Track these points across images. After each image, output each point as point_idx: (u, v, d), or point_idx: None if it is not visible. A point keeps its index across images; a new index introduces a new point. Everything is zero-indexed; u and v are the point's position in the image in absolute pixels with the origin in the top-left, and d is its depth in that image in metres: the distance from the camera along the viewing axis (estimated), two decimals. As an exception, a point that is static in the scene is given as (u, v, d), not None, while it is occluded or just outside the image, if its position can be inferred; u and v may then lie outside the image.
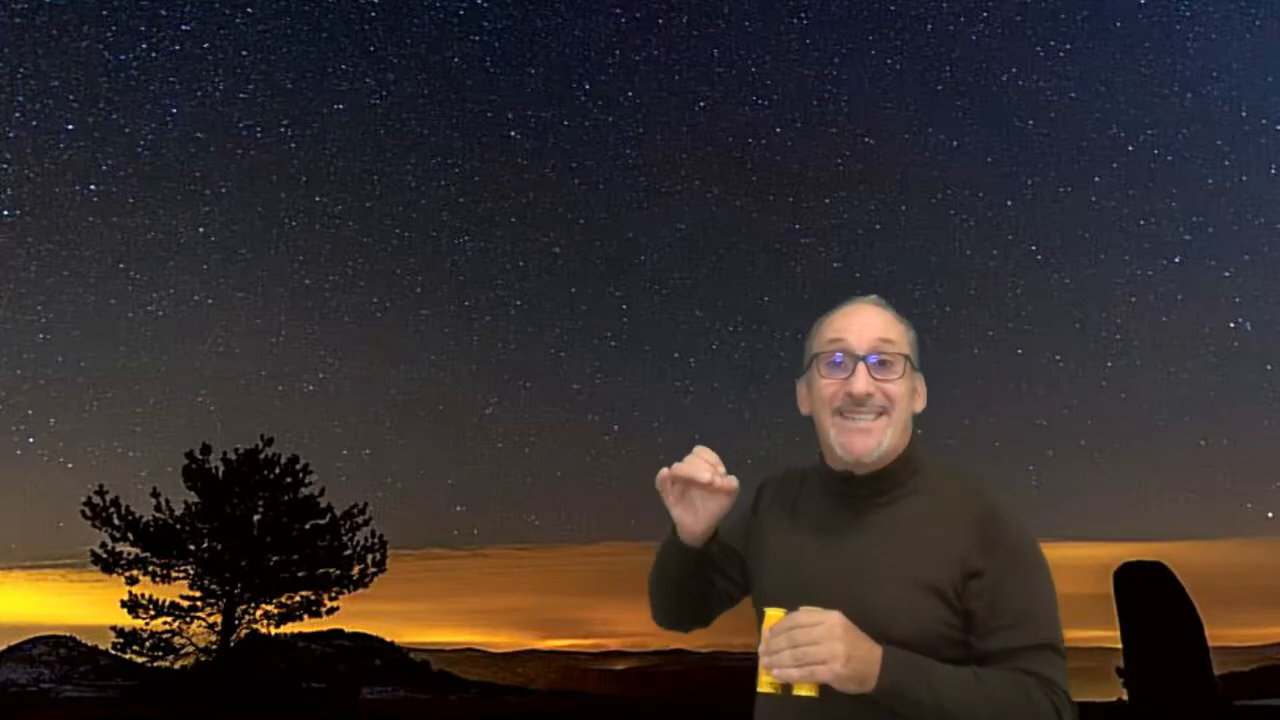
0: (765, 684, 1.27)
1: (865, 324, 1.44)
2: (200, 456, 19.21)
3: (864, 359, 1.41)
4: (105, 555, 18.13)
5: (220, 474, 19.21)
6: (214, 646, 18.54)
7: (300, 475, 19.70)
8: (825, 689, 1.23)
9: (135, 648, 18.36)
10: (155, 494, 18.73)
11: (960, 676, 1.28)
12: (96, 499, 18.24)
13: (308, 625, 19.95)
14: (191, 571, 18.75)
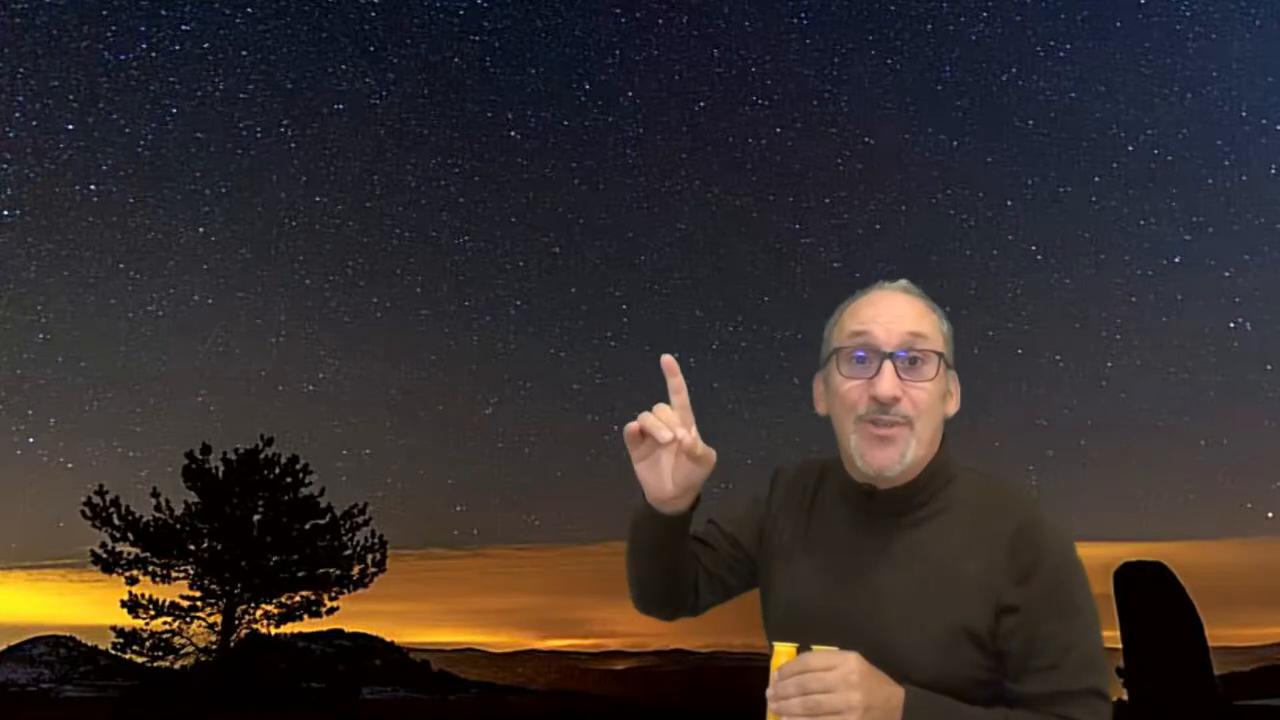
0: None
1: (895, 315, 1.26)
2: (200, 456, 19.23)
3: (891, 356, 1.23)
4: (105, 555, 18.14)
5: (220, 474, 19.21)
6: (214, 646, 18.54)
7: (300, 475, 19.72)
8: None
9: (135, 648, 18.36)
10: (155, 494, 18.78)
11: None
12: (96, 499, 18.26)
13: (308, 625, 19.99)
14: (191, 571, 18.77)
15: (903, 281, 1.33)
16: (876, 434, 1.23)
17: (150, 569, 18.44)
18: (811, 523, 1.37)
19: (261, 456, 19.49)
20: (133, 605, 18.31)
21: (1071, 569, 1.21)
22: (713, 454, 1.25)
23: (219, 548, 18.82)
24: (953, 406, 1.32)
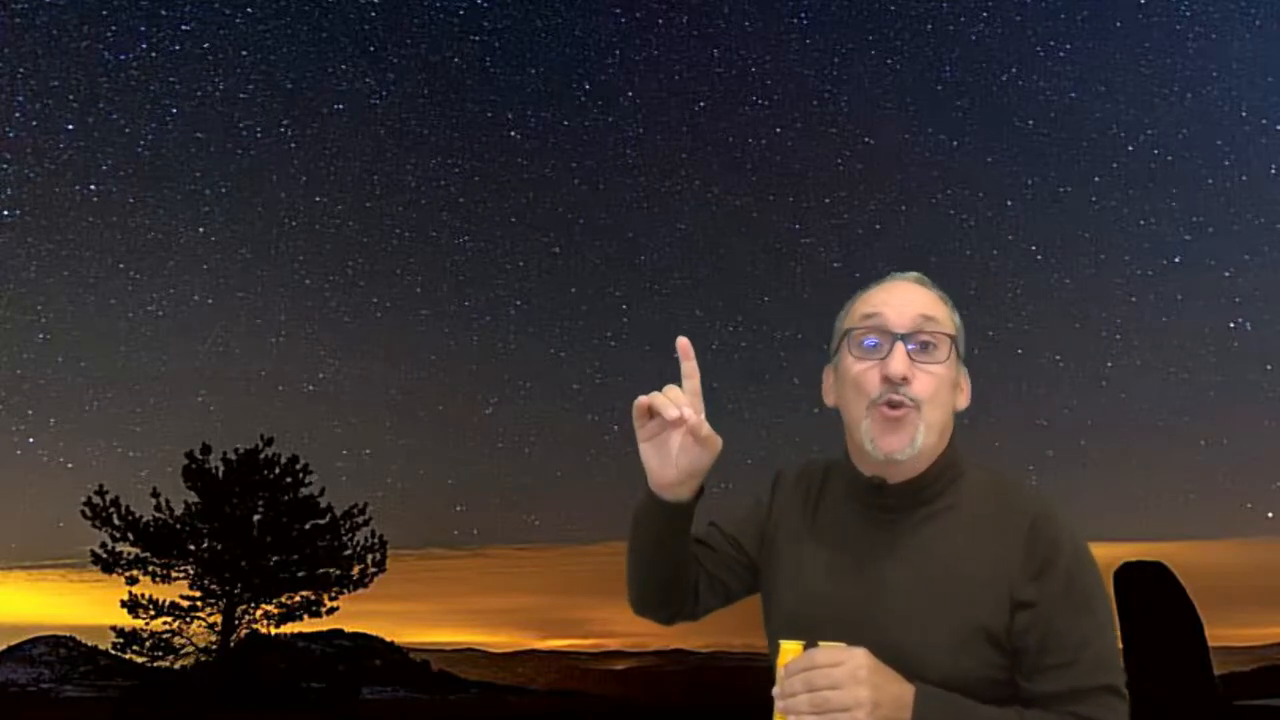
0: None
1: (907, 299, 1.26)
2: (200, 456, 19.25)
3: (903, 338, 1.22)
4: (105, 555, 18.16)
5: (220, 474, 19.24)
6: (214, 646, 18.55)
7: (300, 475, 19.74)
8: None
9: (135, 648, 18.38)
10: (155, 494, 18.81)
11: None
12: (96, 499, 18.28)
13: (308, 625, 20.02)
14: (191, 571, 18.79)
15: (914, 273, 1.32)
16: (888, 416, 1.21)
17: (150, 569, 18.46)
18: (817, 520, 1.35)
19: (261, 456, 19.51)
20: (133, 605, 18.33)
21: (1086, 565, 1.19)
22: (718, 439, 1.23)
23: (219, 548, 18.83)
24: (963, 400, 1.30)
